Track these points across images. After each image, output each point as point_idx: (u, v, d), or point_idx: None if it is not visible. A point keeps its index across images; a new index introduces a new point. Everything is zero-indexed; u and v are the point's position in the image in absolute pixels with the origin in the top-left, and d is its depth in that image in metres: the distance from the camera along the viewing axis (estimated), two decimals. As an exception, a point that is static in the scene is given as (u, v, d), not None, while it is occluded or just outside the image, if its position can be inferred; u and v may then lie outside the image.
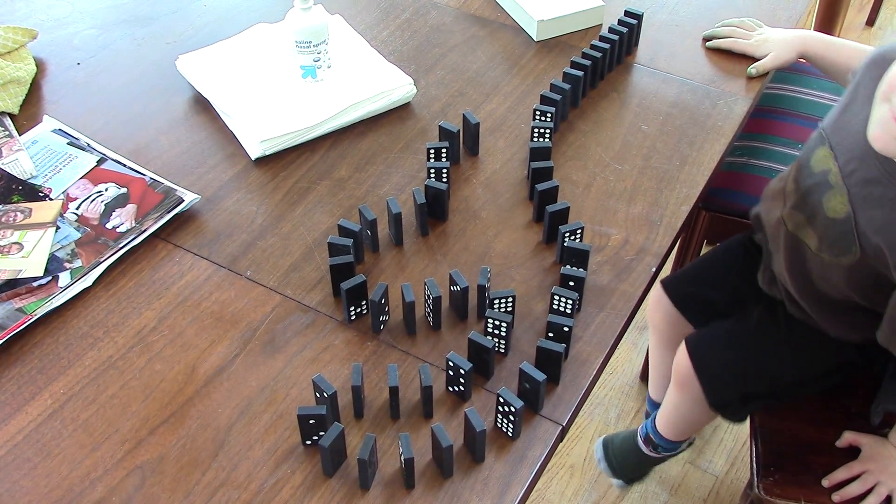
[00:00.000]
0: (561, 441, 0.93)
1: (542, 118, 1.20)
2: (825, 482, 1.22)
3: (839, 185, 1.08)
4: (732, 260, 1.39)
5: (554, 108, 1.20)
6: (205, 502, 0.85)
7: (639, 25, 1.37)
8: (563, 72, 1.26)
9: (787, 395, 1.30)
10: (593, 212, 1.14)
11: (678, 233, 1.12)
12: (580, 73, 1.26)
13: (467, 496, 0.86)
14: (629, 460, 1.62)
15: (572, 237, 1.05)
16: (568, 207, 1.08)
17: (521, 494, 0.86)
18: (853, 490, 1.21)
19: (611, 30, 1.33)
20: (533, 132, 1.19)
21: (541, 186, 1.10)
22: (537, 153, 1.15)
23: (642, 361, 1.99)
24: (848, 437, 1.25)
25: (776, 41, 1.36)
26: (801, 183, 1.15)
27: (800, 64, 1.60)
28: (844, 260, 1.10)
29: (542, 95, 1.23)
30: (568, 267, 1.01)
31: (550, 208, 1.07)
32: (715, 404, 1.31)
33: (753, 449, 1.29)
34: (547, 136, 1.18)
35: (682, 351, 1.35)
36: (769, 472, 1.25)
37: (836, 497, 1.21)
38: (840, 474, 1.23)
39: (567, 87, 1.23)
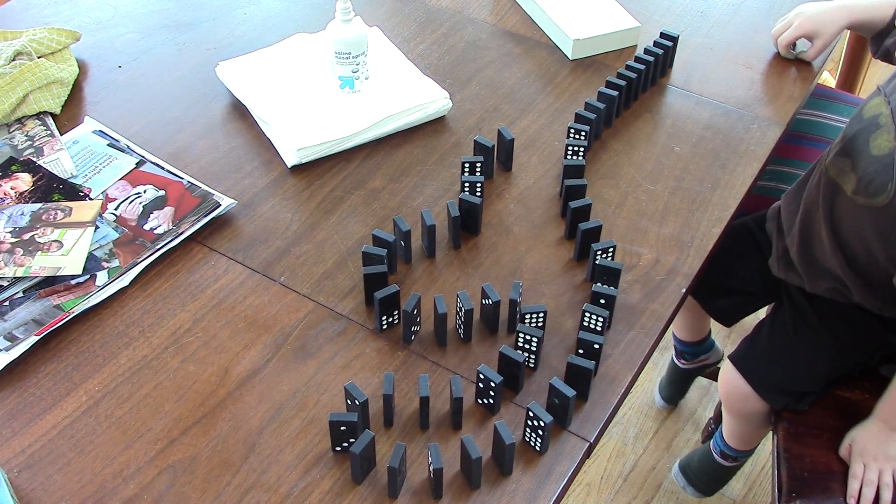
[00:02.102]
0: (588, 457, 0.93)
1: (577, 136, 1.21)
2: (850, 502, 1.23)
3: (888, 125, 1.17)
4: (736, 246, 1.48)
5: (588, 127, 1.21)
6: (235, 504, 0.86)
7: (674, 47, 1.38)
8: (598, 91, 1.27)
9: (839, 383, 1.36)
10: (624, 231, 1.14)
11: (709, 254, 1.12)
12: (615, 93, 1.27)
13: (494, 508, 0.86)
14: (712, 475, 1.74)
15: (604, 255, 1.06)
16: (600, 226, 1.08)
17: (547, 509, 0.87)
18: (869, 495, 1.23)
19: (646, 51, 1.34)
20: (567, 150, 1.20)
21: (574, 204, 1.10)
22: (571, 171, 1.16)
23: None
24: (843, 451, 1.29)
25: (814, 17, 1.38)
26: (850, 131, 1.24)
27: (829, 90, 1.60)
28: (878, 200, 1.17)
29: (576, 114, 1.23)
30: (599, 284, 1.02)
31: (583, 226, 1.08)
32: (779, 408, 1.38)
33: (776, 474, 1.28)
34: (581, 154, 1.19)
35: (729, 372, 1.43)
36: (791, 497, 1.24)
37: None
38: (854, 485, 1.24)
39: (602, 106, 1.24)
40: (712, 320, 1.78)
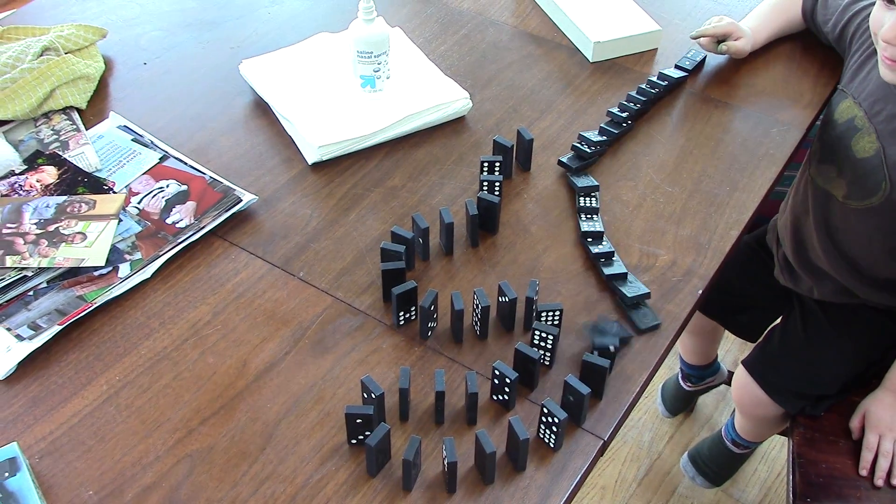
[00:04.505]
0: (601, 455, 0.94)
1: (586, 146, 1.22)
2: (862, 472, 1.25)
3: (866, 127, 1.19)
4: (743, 264, 1.51)
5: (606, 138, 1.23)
6: (251, 493, 0.87)
7: (701, 64, 1.40)
8: (619, 103, 1.29)
9: (855, 386, 1.36)
10: (642, 231, 1.15)
11: (726, 256, 1.12)
12: (636, 107, 1.29)
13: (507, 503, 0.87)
14: (723, 463, 1.75)
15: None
16: (602, 232, 1.10)
17: (560, 505, 0.87)
18: (884, 466, 1.24)
19: (677, 66, 1.37)
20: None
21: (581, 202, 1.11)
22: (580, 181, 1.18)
23: (679, 386, 1.98)
24: (855, 421, 1.30)
25: (743, 28, 1.40)
26: (827, 138, 1.26)
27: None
28: (873, 201, 1.18)
29: (601, 128, 1.25)
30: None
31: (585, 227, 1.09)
32: (794, 413, 1.38)
33: (790, 479, 1.28)
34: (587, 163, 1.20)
35: (742, 377, 1.44)
36: (805, 502, 1.24)
37: (878, 482, 1.23)
38: (868, 456, 1.25)
39: (623, 115, 1.27)
40: (721, 343, 1.80)
